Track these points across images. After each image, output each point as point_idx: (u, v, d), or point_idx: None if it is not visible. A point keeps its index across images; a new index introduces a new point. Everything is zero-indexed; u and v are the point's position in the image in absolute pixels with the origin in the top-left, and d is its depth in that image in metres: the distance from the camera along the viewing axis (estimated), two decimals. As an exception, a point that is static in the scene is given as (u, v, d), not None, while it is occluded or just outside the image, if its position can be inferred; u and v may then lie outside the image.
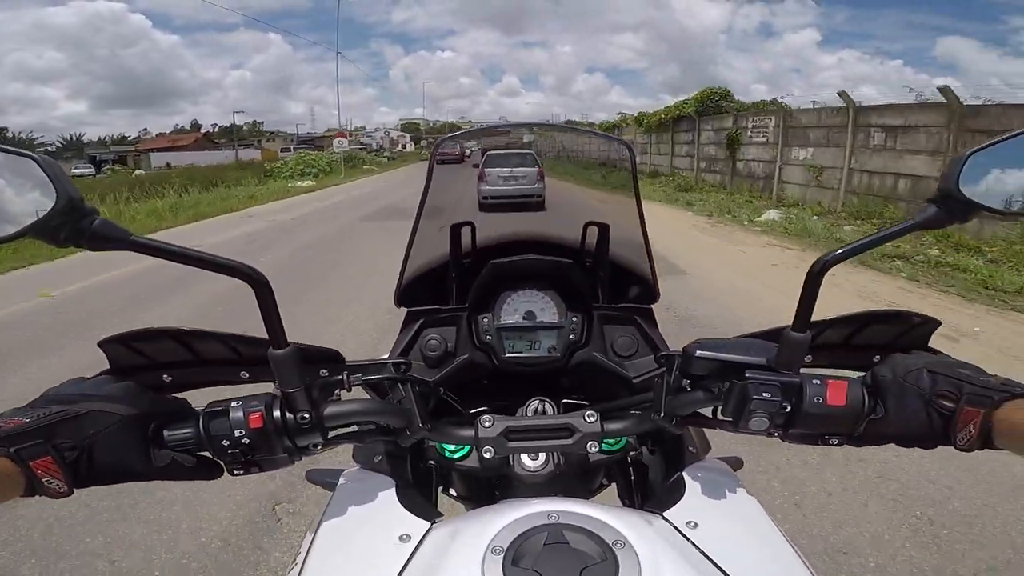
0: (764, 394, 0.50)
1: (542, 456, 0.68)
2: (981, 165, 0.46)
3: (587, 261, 0.86)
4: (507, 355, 0.80)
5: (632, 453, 0.77)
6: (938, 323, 0.60)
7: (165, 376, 0.57)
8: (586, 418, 0.59)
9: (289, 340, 0.50)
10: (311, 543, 0.54)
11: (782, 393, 0.50)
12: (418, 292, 0.83)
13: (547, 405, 0.74)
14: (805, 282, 0.49)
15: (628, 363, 0.81)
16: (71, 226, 0.40)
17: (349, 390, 0.59)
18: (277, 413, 0.50)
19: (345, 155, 26.90)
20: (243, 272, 0.46)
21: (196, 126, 63.40)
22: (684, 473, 0.62)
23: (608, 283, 0.85)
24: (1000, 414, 0.44)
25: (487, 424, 0.58)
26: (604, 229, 0.84)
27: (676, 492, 0.59)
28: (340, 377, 0.57)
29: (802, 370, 0.53)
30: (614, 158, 0.97)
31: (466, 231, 0.85)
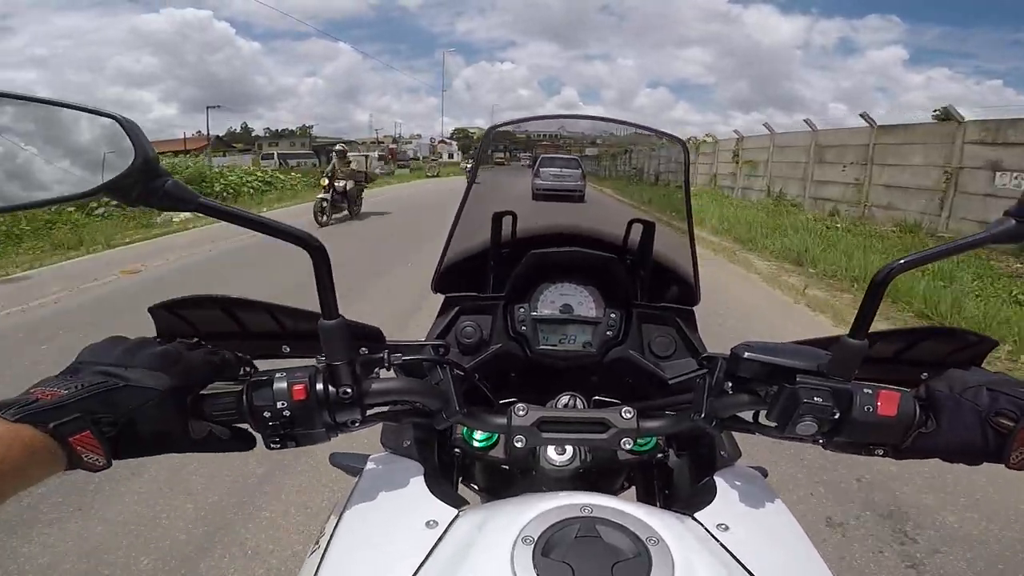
0: (816, 399, 0.49)
1: (569, 451, 0.67)
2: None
3: (629, 258, 0.85)
4: (541, 347, 0.79)
5: (659, 455, 0.76)
6: (995, 343, 0.60)
7: (207, 346, 0.56)
8: (623, 414, 0.58)
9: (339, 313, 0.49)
10: (335, 527, 0.53)
11: (833, 399, 0.49)
12: (456, 279, 0.82)
13: (578, 400, 0.73)
14: (868, 289, 0.48)
15: (665, 364, 0.80)
16: (144, 185, 0.40)
17: (389, 369, 0.58)
18: (320, 386, 0.49)
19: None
20: (301, 239, 0.45)
21: (247, 129, 64.79)
22: (716, 477, 0.62)
23: (649, 282, 0.84)
24: None
25: (521, 412, 0.57)
26: (650, 227, 0.83)
27: (707, 495, 0.58)
28: (381, 355, 0.57)
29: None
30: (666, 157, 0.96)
31: (508, 221, 0.85)
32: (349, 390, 0.49)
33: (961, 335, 0.60)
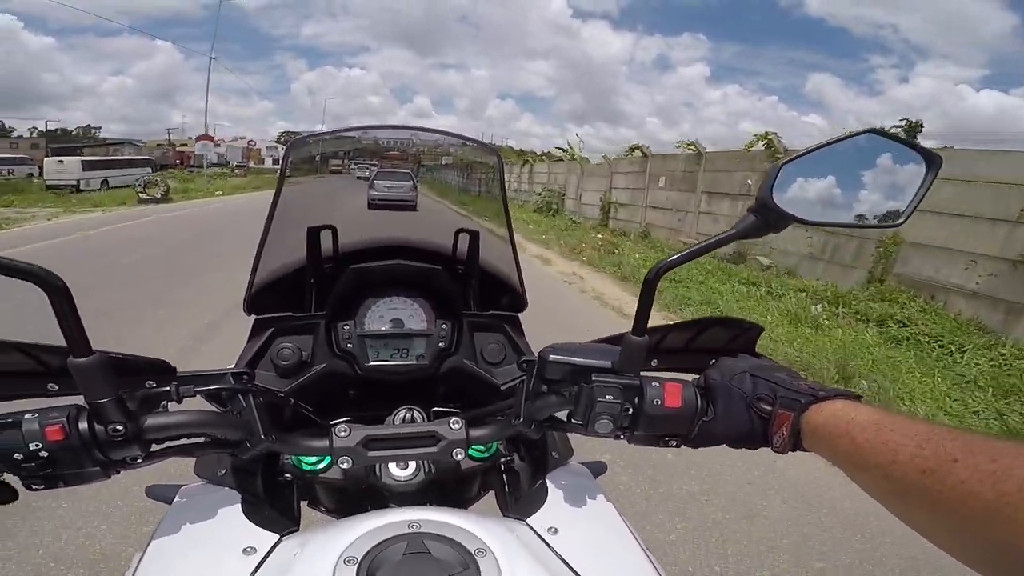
0: (607, 396, 0.52)
1: (412, 465, 0.66)
2: (792, 176, 0.51)
3: (459, 268, 0.86)
4: (371, 363, 0.78)
5: (503, 460, 0.77)
6: (762, 328, 0.66)
7: None
8: (451, 425, 0.58)
9: (100, 348, 0.46)
10: (138, 562, 0.50)
11: (623, 395, 0.53)
12: (272, 299, 0.78)
13: (416, 413, 0.73)
14: (642, 288, 0.52)
15: (497, 370, 0.82)
16: None
17: (179, 402, 0.55)
18: (84, 425, 0.46)
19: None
20: (34, 274, 0.41)
21: (2, 129, 52.19)
22: (547, 479, 0.64)
23: (478, 290, 0.85)
24: (806, 417, 0.47)
25: (343, 433, 0.56)
26: (475, 236, 0.84)
27: (539, 498, 0.60)
28: (167, 388, 0.54)
29: (645, 373, 0.55)
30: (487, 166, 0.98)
31: (328, 235, 0.82)
32: (120, 427, 0.47)
33: (736, 323, 0.66)
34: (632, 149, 11.99)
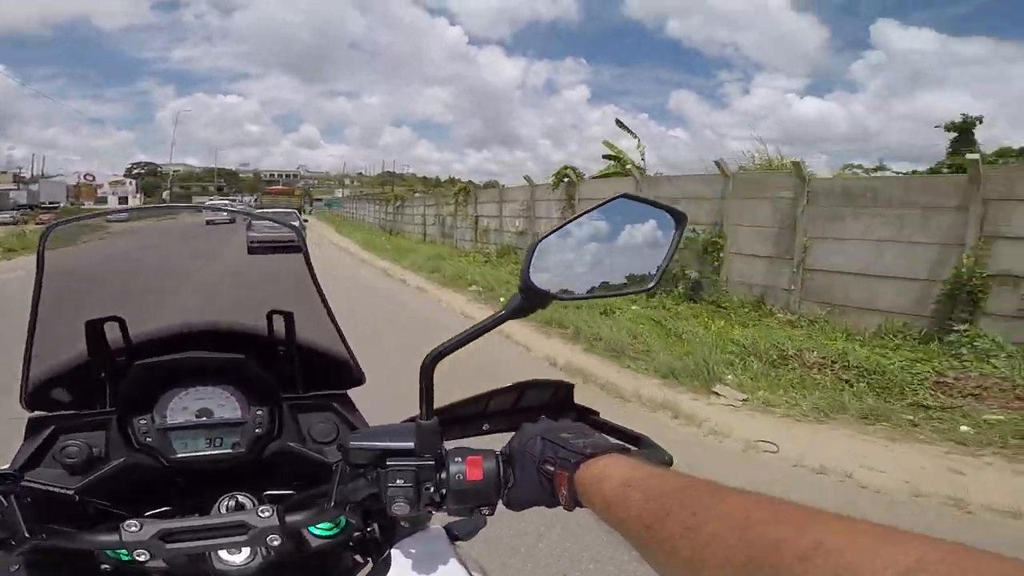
0: (398, 480, 0.54)
1: (245, 551, 0.64)
2: (549, 252, 0.53)
3: (280, 349, 0.82)
4: (179, 455, 0.73)
5: (357, 533, 0.74)
6: (572, 385, 0.70)
7: None
8: (260, 513, 0.58)
9: None
10: None
11: (417, 478, 0.54)
12: (57, 392, 0.73)
13: (243, 499, 0.70)
14: (420, 376, 0.53)
15: (329, 448, 0.79)
16: None
17: None
18: None
19: None
20: None
21: None
22: (393, 549, 0.64)
23: (302, 371, 0.82)
24: (578, 475, 0.48)
25: (133, 528, 0.55)
26: (289, 317, 0.81)
27: (384, 572, 0.60)
28: None
29: (453, 445, 0.57)
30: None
31: (115, 327, 0.76)
32: None
33: (546, 385, 0.69)
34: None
